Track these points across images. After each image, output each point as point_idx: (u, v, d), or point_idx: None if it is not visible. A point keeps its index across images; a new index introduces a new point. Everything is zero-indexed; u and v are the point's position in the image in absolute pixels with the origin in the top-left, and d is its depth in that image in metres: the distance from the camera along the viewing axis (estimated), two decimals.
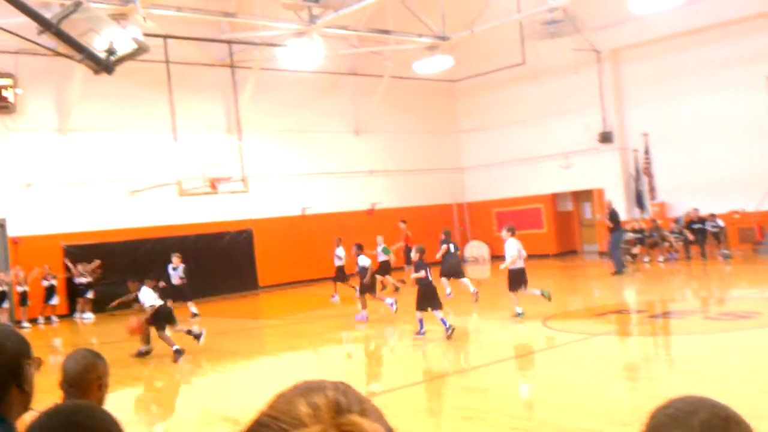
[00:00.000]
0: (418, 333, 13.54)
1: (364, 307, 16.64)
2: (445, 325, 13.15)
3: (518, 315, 14.79)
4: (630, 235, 25.39)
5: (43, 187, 22.43)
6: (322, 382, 1.09)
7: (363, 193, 29.43)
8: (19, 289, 20.95)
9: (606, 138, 27.89)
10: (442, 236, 19.37)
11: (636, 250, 25.08)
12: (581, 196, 30.29)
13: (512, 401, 9.16)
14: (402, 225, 22.80)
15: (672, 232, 24.91)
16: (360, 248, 17.45)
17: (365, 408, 1.06)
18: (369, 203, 29.50)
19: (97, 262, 21.98)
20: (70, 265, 21.93)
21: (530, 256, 29.03)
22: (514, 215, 31.10)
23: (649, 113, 26.94)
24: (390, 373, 11.99)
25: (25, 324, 20.61)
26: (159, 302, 14.05)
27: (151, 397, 11.78)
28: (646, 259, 25.01)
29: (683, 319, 13.81)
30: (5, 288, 20.62)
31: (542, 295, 15.18)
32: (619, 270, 21.72)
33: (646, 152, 27.31)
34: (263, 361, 14.36)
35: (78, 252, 22.29)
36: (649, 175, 27.34)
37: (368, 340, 15.22)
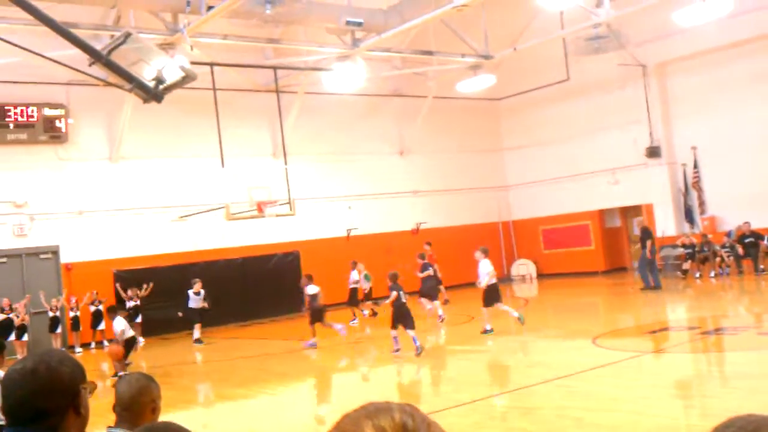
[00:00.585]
0: (395, 350, 14.48)
1: (313, 335, 17.28)
2: (416, 344, 14.03)
3: (487, 331, 15.85)
4: (680, 251, 24.97)
5: (94, 214, 22.91)
6: (388, 403, 1.07)
7: (408, 213, 29.42)
8: (71, 314, 21.37)
9: (654, 153, 27.53)
10: (419, 260, 20.35)
11: (687, 265, 24.65)
12: (629, 212, 29.88)
13: (563, 421, 9.04)
14: (426, 247, 22.73)
15: (723, 246, 24.43)
16: (310, 278, 17.97)
17: (432, 431, 1.05)
18: (414, 223, 29.48)
19: (150, 286, 22.32)
20: (120, 290, 22.27)
21: (578, 274, 29.28)
22: (562, 232, 30.87)
23: (697, 127, 26.52)
24: (437, 394, 11.93)
25: (78, 349, 20.99)
26: (130, 333, 15.44)
27: (201, 418, 11.87)
28: (697, 274, 24.57)
29: (736, 335, 13.53)
30: (58, 313, 21.05)
31: (518, 319, 16.04)
32: (649, 286, 21.80)
33: (695, 166, 26.88)
34: (312, 382, 14.39)
35: (128, 277, 22.66)
36: (699, 189, 26.89)
37: (412, 362, 15.16)
